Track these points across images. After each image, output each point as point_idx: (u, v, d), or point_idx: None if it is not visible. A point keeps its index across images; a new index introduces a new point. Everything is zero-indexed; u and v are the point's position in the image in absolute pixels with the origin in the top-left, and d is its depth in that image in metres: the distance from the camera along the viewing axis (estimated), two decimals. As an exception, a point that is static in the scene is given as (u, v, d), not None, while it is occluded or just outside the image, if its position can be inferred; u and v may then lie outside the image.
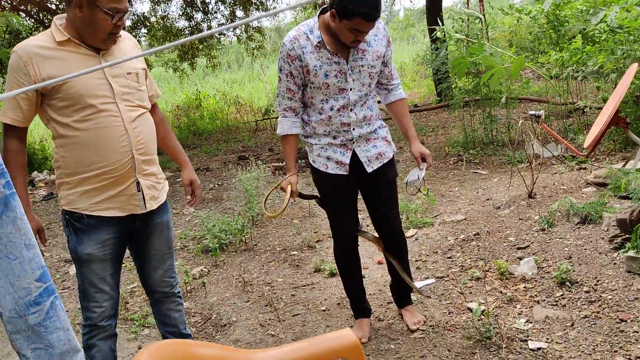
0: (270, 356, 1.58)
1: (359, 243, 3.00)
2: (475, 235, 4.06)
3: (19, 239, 1.30)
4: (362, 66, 2.61)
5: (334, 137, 2.68)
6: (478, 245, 3.88)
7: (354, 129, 2.66)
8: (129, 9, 2.20)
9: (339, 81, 2.59)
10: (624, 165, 4.51)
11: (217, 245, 4.55)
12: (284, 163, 2.81)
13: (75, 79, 2.08)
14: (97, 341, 2.37)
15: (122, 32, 2.27)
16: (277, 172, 7.14)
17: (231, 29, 11.50)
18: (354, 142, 2.69)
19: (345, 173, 2.71)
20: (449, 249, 3.95)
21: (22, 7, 9.50)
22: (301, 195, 2.79)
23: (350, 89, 2.61)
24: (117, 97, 2.17)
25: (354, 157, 2.71)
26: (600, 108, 5.45)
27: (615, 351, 2.48)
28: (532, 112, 4.76)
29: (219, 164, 8.34)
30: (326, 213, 2.92)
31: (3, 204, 1.33)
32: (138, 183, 2.25)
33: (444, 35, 6.78)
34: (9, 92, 1.53)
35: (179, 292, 2.61)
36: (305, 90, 2.65)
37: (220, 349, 1.54)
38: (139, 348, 3.23)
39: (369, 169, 2.71)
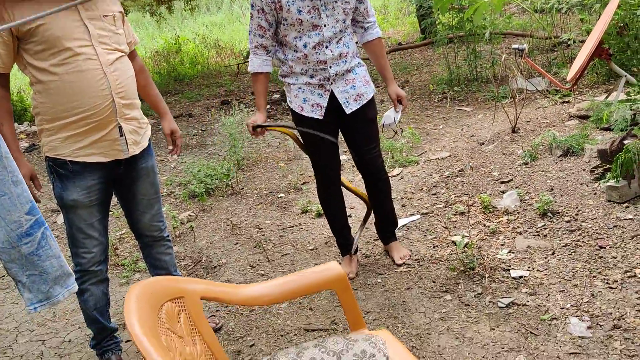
0: (258, 290, 1.62)
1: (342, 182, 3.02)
2: (459, 171, 4.10)
3: (5, 176, 1.34)
4: (336, 2, 2.55)
5: (311, 76, 2.65)
6: (462, 181, 3.93)
7: (330, 67, 2.63)
8: None
9: (312, 17, 2.54)
10: (606, 97, 4.53)
11: (204, 190, 4.56)
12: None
13: (51, 22, 2.03)
14: (89, 286, 2.41)
15: None
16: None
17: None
18: (331, 82, 2.66)
19: (320, 117, 2.69)
20: (434, 186, 3.99)
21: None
22: (261, 126, 2.68)
23: (324, 25, 2.56)
24: (94, 39, 2.13)
25: (332, 98, 2.68)
26: (584, 41, 5.42)
27: (594, 276, 2.57)
28: (516, 46, 4.73)
29: (201, 109, 8.24)
30: (308, 155, 2.92)
31: None
32: (120, 127, 2.23)
33: (427, -31, 6.61)
34: None
35: (168, 235, 2.64)
36: (279, 28, 2.61)
37: (208, 284, 1.57)
38: (131, 292, 3.29)
39: (348, 110, 2.70)
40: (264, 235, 3.81)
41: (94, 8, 2.16)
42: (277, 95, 7.99)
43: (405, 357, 1.60)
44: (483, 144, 4.52)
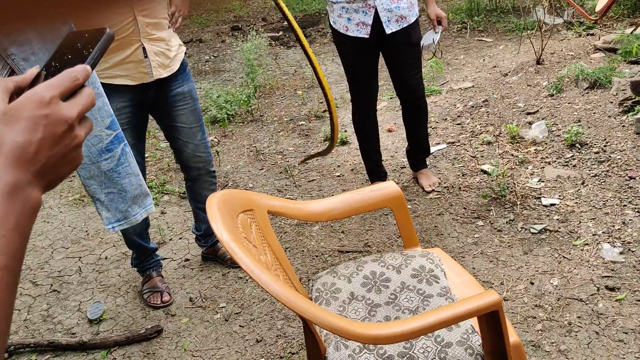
0: (321, 205, 1.65)
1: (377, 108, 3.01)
2: (484, 101, 4.08)
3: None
4: None
5: None
6: (487, 112, 3.92)
7: None
8: None
9: None
10: (633, 30, 4.46)
11: (225, 116, 4.54)
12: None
13: None
14: None
15: None
16: (273, 42, 6.95)
17: None
18: None
19: (366, 36, 2.66)
20: (458, 116, 3.99)
21: None
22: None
23: None
24: None
25: (376, 18, 2.64)
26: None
27: (625, 205, 2.62)
28: (545, -26, 4.59)
29: (211, 35, 8.07)
30: (346, 77, 2.89)
31: None
32: (144, 48, 2.15)
33: None
34: None
35: (213, 170, 2.57)
36: None
37: (273, 199, 1.60)
38: (162, 213, 3.34)
39: (388, 30, 2.65)
40: (288, 161, 3.83)
41: None
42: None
43: (461, 272, 1.66)
44: (507, 75, 4.47)
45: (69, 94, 0.57)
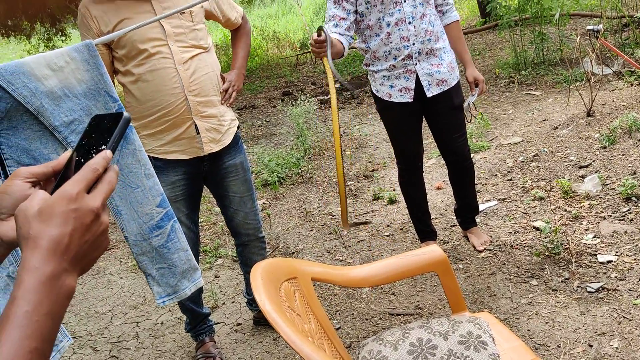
0: (365, 271, 1.67)
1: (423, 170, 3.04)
2: (534, 156, 4.04)
3: (139, 169, 1.40)
4: None
5: (395, 58, 2.64)
6: (538, 166, 3.87)
7: (413, 43, 2.61)
8: None
9: None
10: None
11: (276, 179, 4.66)
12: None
13: (128, 26, 2.03)
14: None
15: None
16: (322, 105, 7.15)
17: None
18: (415, 62, 2.65)
19: (410, 100, 2.71)
20: (509, 171, 3.95)
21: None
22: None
23: (404, 1, 2.55)
24: (170, 38, 2.13)
25: (417, 81, 2.69)
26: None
27: (688, 261, 2.50)
28: (590, 27, 4.59)
29: (263, 100, 8.38)
30: (390, 141, 2.94)
31: (123, 137, 1.43)
32: (197, 126, 2.23)
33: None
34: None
35: (263, 236, 2.62)
36: (362, 16, 2.62)
37: (318, 266, 1.63)
38: (215, 277, 3.42)
39: (429, 94, 2.69)
40: (337, 222, 3.87)
41: (171, 4, 2.15)
42: (337, 85, 8.03)
43: (510, 337, 1.62)
44: (557, 128, 4.42)
45: (92, 184, 0.65)
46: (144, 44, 2.09)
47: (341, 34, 2.56)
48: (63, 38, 10.43)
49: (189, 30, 2.19)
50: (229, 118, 2.38)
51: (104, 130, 0.73)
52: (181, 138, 2.23)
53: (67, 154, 0.75)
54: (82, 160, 0.71)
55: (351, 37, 2.60)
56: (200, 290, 2.62)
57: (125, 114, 0.74)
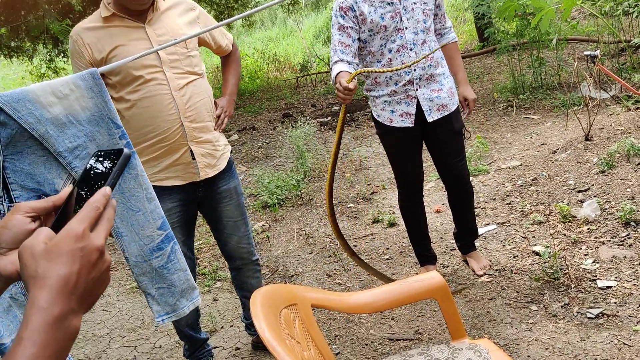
0: (365, 297, 1.67)
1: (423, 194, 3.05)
2: (533, 180, 4.05)
3: (140, 193, 1.42)
4: (415, 3, 2.60)
5: (396, 83, 2.68)
6: (537, 190, 3.88)
7: (414, 69, 2.65)
8: None
9: (395, 21, 2.60)
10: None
11: (275, 200, 4.67)
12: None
13: (122, 52, 2.06)
14: None
15: None
16: (322, 127, 7.19)
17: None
18: (416, 88, 2.69)
19: (411, 125, 2.74)
20: (507, 195, 3.97)
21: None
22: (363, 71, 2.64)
23: (406, 28, 2.61)
24: (165, 65, 2.12)
25: (418, 106, 2.72)
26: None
27: (688, 287, 2.50)
28: (588, 52, 4.65)
29: (264, 122, 8.42)
30: (391, 165, 2.96)
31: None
32: (192, 151, 2.23)
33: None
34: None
35: (256, 259, 2.63)
36: (364, 43, 2.67)
37: (317, 292, 1.64)
38: (214, 300, 3.41)
39: (429, 119, 2.73)
40: (337, 244, 3.87)
41: (165, 32, 2.14)
42: (337, 107, 8.09)
43: None
44: (555, 152, 4.45)
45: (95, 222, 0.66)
46: (138, 70, 2.08)
47: (349, 63, 2.60)
48: (65, 59, 10.53)
49: (184, 57, 2.18)
50: (222, 143, 2.39)
51: (105, 167, 0.75)
52: (177, 164, 2.23)
53: (68, 189, 0.76)
54: (83, 195, 0.73)
55: (357, 65, 2.64)
56: (197, 315, 2.61)
57: (126, 150, 0.76)
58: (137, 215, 1.44)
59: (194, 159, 2.24)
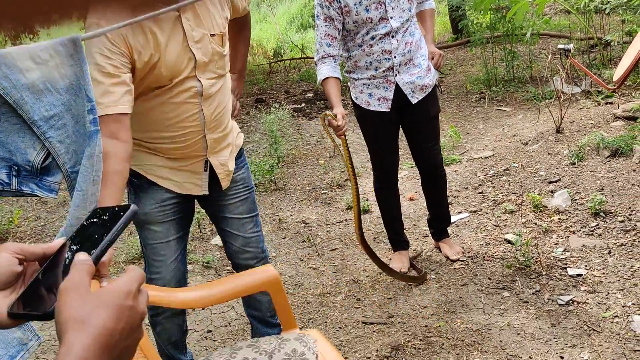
0: (197, 294, 1.73)
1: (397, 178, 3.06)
2: (504, 170, 4.11)
3: (90, 174, 1.37)
4: None
5: (376, 69, 2.68)
6: (508, 180, 3.94)
7: (395, 57, 2.65)
8: None
9: (380, 12, 2.58)
10: (652, 99, 4.50)
11: (248, 185, 4.62)
12: (330, 104, 2.61)
13: (165, 57, 1.76)
14: (163, 320, 2.12)
15: None
16: (296, 114, 7.14)
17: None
18: (395, 73, 2.69)
19: (387, 110, 2.74)
20: (480, 185, 4.01)
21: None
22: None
23: (391, 18, 2.60)
24: (199, 69, 1.82)
25: (397, 90, 2.72)
26: (626, 42, 5.37)
27: (654, 276, 2.57)
28: (562, 46, 4.71)
29: (236, 107, 8.32)
30: (368, 148, 2.97)
31: (87, 137, 1.40)
32: (207, 162, 1.98)
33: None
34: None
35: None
36: (348, 32, 2.65)
37: (157, 290, 1.67)
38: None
39: (414, 100, 2.73)
40: (311, 230, 3.86)
41: (201, 27, 1.81)
42: (310, 95, 8.05)
43: (334, 356, 1.65)
44: (527, 143, 4.52)
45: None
46: (175, 77, 1.80)
47: (335, 59, 2.64)
48: (31, 36, 10.22)
49: (219, 57, 1.88)
50: (236, 132, 2.12)
51: (106, 221, 0.73)
52: (183, 170, 1.98)
53: (61, 240, 0.75)
54: (74, 249, 0.71)
55: (341, 57, 2.65)
56: (184, 333, 2.27)
57: (133, 206, 0.74)
58: (76, 194, 1.39)
59: (205, 170, 1.99)
